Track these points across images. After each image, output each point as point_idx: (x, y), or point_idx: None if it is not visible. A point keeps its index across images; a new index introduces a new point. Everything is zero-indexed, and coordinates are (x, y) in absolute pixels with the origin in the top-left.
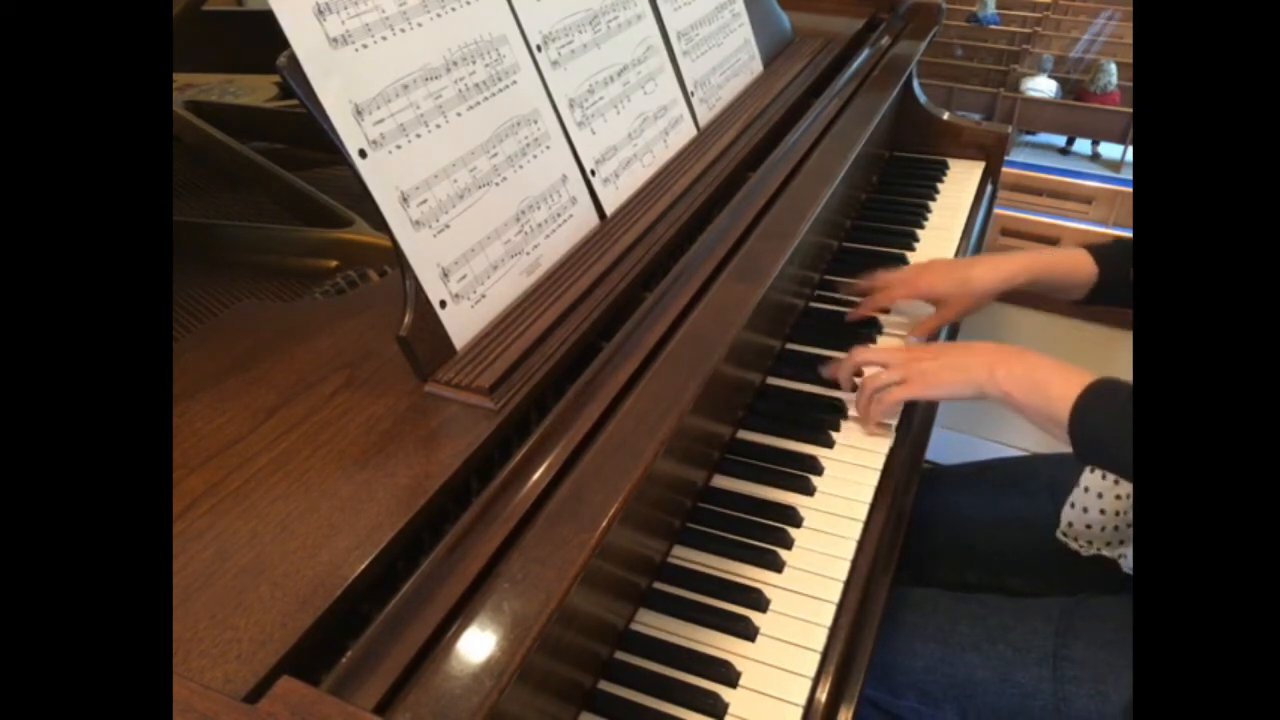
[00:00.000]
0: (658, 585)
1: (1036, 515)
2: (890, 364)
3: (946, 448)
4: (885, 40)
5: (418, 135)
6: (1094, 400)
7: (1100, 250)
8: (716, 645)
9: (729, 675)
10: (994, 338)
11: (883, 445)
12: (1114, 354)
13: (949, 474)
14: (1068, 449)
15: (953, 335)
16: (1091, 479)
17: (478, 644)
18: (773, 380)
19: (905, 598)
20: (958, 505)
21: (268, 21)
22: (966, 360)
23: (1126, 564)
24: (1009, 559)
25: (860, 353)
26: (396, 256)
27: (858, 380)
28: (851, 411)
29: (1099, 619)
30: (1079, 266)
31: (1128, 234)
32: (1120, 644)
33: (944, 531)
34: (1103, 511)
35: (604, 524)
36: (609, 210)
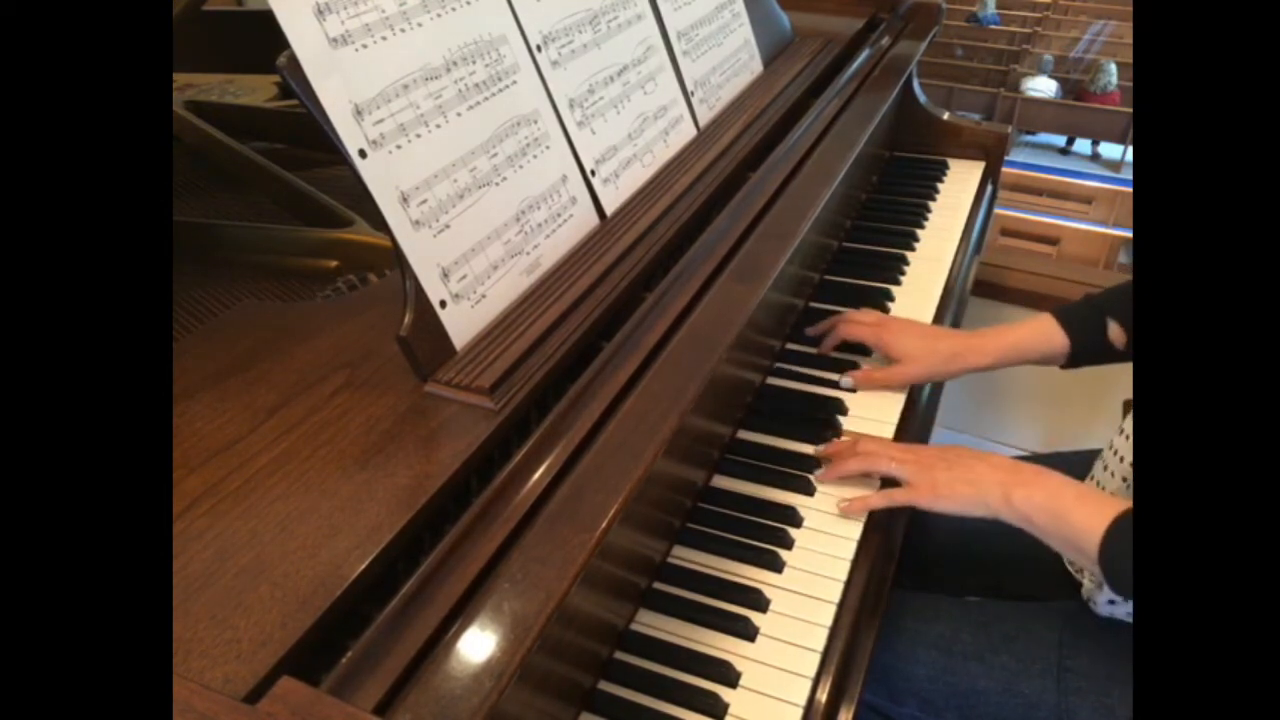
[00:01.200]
0: (658, 585)
1: None
2: (899, 459)
3: None
4: (885, 40)
5: (418, 135)
6: (1124, 535)
7: (1068, 315)
8: (716, 645)
9: (729, 675)
10: None
11: None
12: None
13: None
14: (1062, 449)
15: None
16: None
17: (478, 644)
18: (773, 380)
19: (907, 604)
20: None
21: (268, 21)
22: (980, 476)
23: (1097, 606)
24: (1007, 562)
25: (867, 445)
26: (396, 256)
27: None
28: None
29: (1103, 630)
30: (1048, 338)
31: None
32: (1124, 656)
33: (943, 533)
34: None
35: (604, 524)
36: (609, 210)
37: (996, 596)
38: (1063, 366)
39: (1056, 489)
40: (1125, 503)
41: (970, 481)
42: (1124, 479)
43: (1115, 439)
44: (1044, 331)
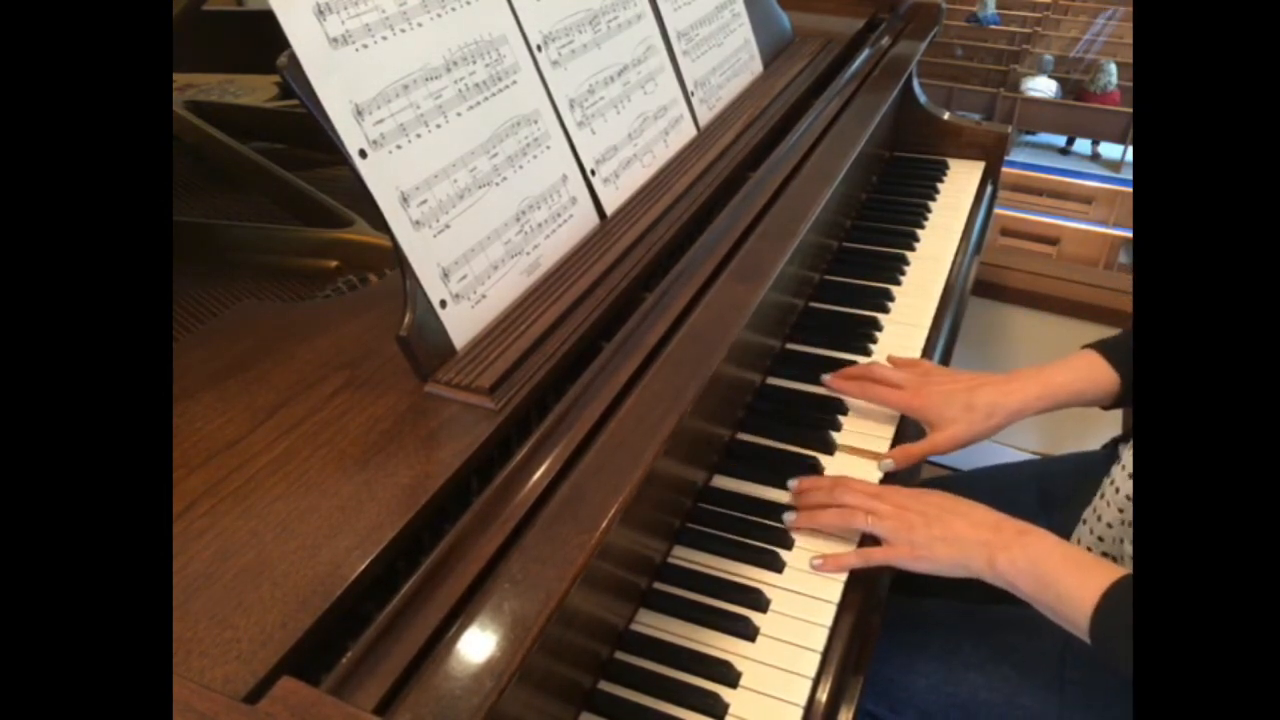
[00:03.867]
0: (658, 585)
1: None
2: (878, 512)
3: None
4: (885, 40)
5: (418, 135)
6: (1116, 608)
7: (1112, 351)
8: (716, 645)
9: (729, 675)
10: (994, 337)
11: (883, 445)
12: None
13: (936, 487)
14: (1055, 452)
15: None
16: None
17: (478, 644)
18: (773, 380)
19: (908, 613)
20: None
21: (268, 21)
22: (962, 535)
23: None
24: None
25: (845, 493)
26: (396, 256)
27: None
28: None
29: None
30: (1094, 377)
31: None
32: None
33: None
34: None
35: (604, 524)
36: (609, 210)
37: (998, 602)
38: (1106, 407)
39: (1043, 552)
40: (1116, 570)
41: (951, 541)
42: (1120, 510)
43: (1114, 471)
44: (1089, 369)
